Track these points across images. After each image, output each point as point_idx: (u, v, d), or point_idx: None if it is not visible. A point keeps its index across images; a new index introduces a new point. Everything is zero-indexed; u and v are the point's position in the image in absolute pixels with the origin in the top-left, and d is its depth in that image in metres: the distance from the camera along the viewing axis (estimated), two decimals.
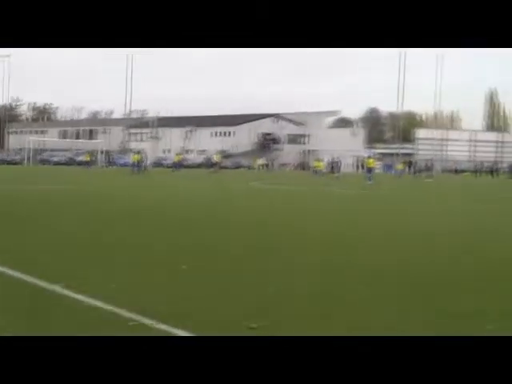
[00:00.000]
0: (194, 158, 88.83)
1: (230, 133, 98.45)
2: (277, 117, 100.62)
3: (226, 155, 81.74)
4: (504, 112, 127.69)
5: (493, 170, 72.60)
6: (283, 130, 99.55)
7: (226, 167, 73.43)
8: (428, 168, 70.87)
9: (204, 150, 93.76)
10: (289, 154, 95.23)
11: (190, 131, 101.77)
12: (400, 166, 69.90)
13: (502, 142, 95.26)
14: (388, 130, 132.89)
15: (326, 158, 67.92)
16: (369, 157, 52.01)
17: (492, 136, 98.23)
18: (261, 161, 78.64)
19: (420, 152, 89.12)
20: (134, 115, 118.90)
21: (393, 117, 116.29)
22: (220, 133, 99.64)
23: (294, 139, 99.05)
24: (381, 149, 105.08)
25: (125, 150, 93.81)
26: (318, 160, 64.54)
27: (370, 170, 47.55)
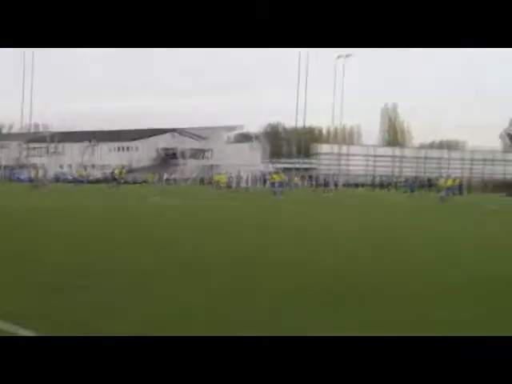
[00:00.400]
0: (94, 173, 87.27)
1: (130, 148, 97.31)
2: (177, 132, 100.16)
3: (126, 170, 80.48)
4: (401, 127, 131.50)
5: (390, 184, 74.18)
6: (184, 144, 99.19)
7: (126, 182, 72.24)
8: (326, 182, 71.94)
9: (104, 165, 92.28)
10: (190, 168, 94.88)
11: (90, 146, 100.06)
12: (295, 180, 70.82)
13: (400, 157, 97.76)
14: (288, 144, 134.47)
15: (228, 173, 68.19)
16: (275, 172, 52.55)
17: (390, 151, 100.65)
18: (162, 176, 78.06)
19: (320, 167, 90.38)
20: (34, 129, 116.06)
21: (293, 132, 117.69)
22: (120, 148, 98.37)
23: (195, 154, 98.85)
24: (281, 163, 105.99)
25: (24, 166, 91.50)
26: (220, 174, 64.66)
27: (273, 184, 48.09)
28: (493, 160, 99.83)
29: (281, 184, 47.83)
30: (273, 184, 48.18)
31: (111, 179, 66.90)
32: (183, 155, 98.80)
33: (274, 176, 48.77)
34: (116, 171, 68.02)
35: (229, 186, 47.40)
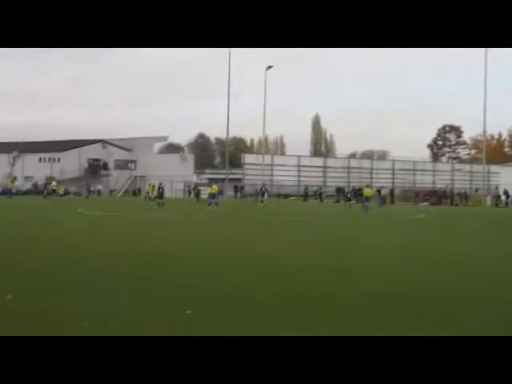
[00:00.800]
0: (20, 184, 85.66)
1: (57, 159, 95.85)
2: (104, 142, 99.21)
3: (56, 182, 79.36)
4: (327, 137, 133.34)
5: (319, 194, 75.23)
6: (112, 155, 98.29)
7: (55, 194, 71.34)
8: (257, 193, 72.36)
9: (31, 177, 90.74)
10: (118, 179, 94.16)
11: (15, 157, 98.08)
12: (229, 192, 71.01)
13: (326, 167, 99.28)
14: (217, 155, 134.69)
15: (157, 184, 67.74)
16: (216, 183, 52.33)
17: (317, 161, 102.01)
18: (89, 187, 77.37)
19: (247, 177, 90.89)
20: None
21: (221, 142, 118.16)
22: (47, 159, 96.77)
23: (123, 165, 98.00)
24: (210, 174, 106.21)
25: None
26: (150, 185, 64.36)
27: (213, 196, 47.54)
28: (422, 170, 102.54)
29: (212, 196, 47.39)
30: (212, 196, 47.61)
31: (46, 191, 66.03)
32: (110, 166, 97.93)
33: (214, 187, 48.49)
34: (54, 183, 67.24)
35: (159, 197, 46.98)
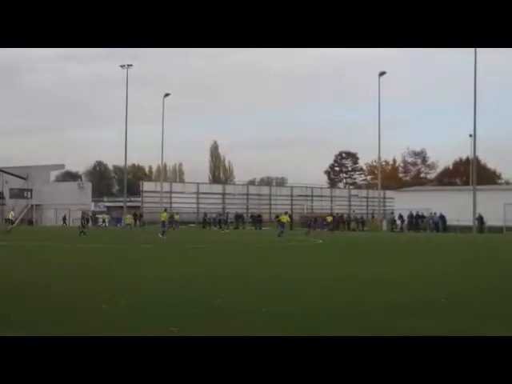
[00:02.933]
0: None
1: None
2: None
3: None
4: (226, 164, 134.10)
5: (216, 221, 75.20)
6: (6, 184, 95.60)
7: None
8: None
9: None
10: (13, 208, 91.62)
11: None
12: (128, 219, 70.09)
13: (225, 194, 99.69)
14: (115, 183, 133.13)
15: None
16: (133, 213, 51.47)
17: (216, 188, 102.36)
18: None
19: (146, 204, 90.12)
20: None
21: (119, 170, 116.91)
22: None
23: (19, 194, 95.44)
24: (109, 202, 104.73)
25: None
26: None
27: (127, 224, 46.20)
28: (320, 196, 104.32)
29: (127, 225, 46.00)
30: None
31: None
32: (5, 195, 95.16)
33: (128, 217, 47.57)
34: None
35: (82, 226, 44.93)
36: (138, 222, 75.99)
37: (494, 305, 11.23)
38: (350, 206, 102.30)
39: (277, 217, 57.29)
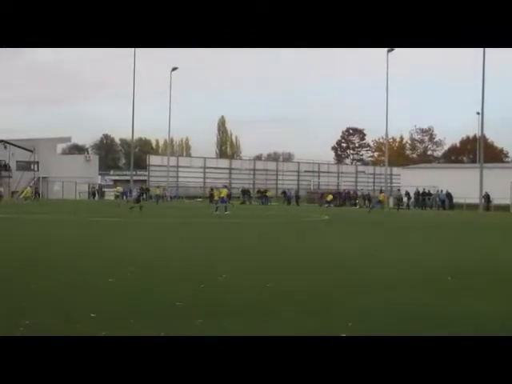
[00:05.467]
0: None
1: None
2: (5, 143, 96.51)
3: None
4: (233, 139, 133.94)
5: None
6: (13, 156, 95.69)
7: None
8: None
9: None
10: (20, 181, 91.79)
11: None
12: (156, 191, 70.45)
13: (232, 169, 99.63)
14: (122, 156, 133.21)
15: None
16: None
17: (223, 163, 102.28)
18: None
19: (152, 179, 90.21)
20: None
21: (126, 144, 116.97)
22: None
23: (26, 166, 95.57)
24: (115, 175, 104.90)
25: None
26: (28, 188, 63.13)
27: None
28: (327, 172, 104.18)
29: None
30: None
31: None
32: (12, 167, 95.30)
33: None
34: None
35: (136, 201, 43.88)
36: (145, 195, 76.13)
37: None
38: (356, 182, 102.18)
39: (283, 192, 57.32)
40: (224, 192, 44.83)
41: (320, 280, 11.45)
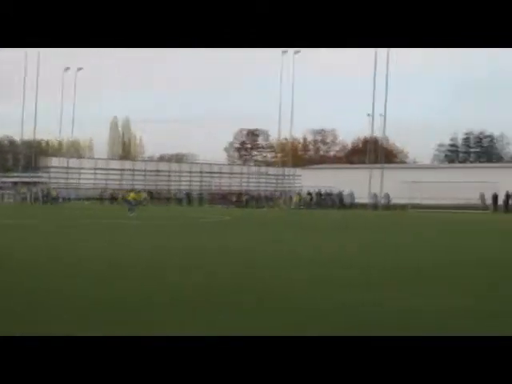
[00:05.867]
0: None
1: None
2: None
3: None
4: (136, 140, 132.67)
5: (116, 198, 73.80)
6: None
7: None
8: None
9: None
10: None
11: None
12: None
13: (130, 170, 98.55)
14: (17, 157, 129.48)
15: None
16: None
17: (120, 164, 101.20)
18: None
19: (51, 180, 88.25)
20: None
21: (22, 144, 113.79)
22: None
23: None
24: (13, 177, 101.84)
25: None
26: None
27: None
28: (230, 173, 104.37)
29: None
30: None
31: None
32: None
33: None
34: None
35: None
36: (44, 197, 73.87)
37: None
38: (258, 183, 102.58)
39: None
40: (132, 195, 45.38)
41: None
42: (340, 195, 69.38)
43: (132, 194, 45.55)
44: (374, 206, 64.09)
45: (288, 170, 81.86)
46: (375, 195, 64.72)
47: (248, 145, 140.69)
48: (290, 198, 75.30)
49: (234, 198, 70.50)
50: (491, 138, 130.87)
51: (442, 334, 6.09)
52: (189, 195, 77.57)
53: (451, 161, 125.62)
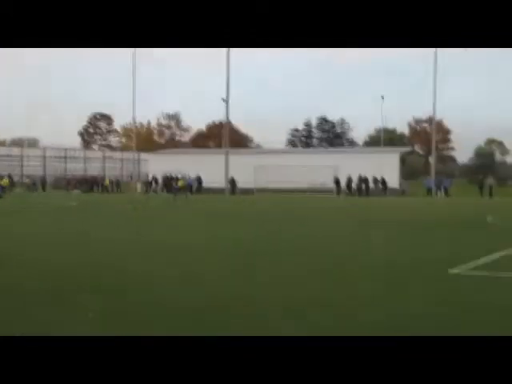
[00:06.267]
0: None
1: None
2: None
3: None
4: None
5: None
6: None
7: None
8: None
9: None
10: None
11: None
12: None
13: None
14: None
15: None
16: None
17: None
18: None
19: None
20: None
21: None
22: None
23: None
24: None
25: None
26: None
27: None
28: (74, 157, 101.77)
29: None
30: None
31: None
32: None
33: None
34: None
35: None
36: None
37: None
38: (104, 168, 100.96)
39: None
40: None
41: None
42: (188, 180, 69.56)
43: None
44: (221, 191, 64.82)
45: (136, 155, 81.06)
46: (232, 179, 65.44)
47: (98, 129, 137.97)
48: (137, 183, 74.81)
49: (84, 184, 69.02)
50: (333, 124, 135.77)
51: (441, 334, 6.17)
52: (39, 180, 75.13)
53: (307, 146, 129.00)
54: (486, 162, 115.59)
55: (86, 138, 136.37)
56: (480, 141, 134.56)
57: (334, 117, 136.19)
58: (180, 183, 56.96)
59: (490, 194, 56.69)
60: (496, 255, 13.92)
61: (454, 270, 11.66)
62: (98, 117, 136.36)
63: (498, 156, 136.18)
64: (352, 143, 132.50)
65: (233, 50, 63.61)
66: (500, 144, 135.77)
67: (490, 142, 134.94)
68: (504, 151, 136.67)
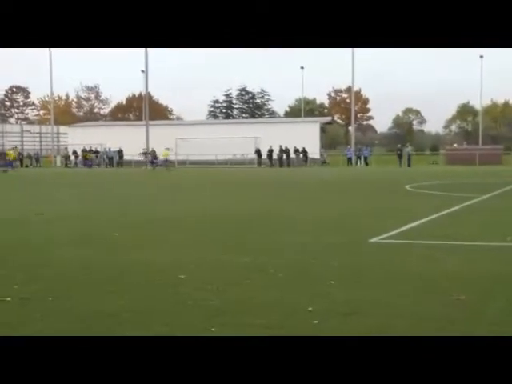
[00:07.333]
0: None
1: None
2: None
3: None
4: None
5: None
6: None
7: None
8: None
9: None
10: None
11: None
12: None
13: None
14: None
15: None
16: None
17: None
18: None
19: None
20: None
21: None
22: None
23: None
24: None
25: None
26: None
27: None
28: None
29: None
30: None
31: None
32: None
33: None
34: None
35: None
36: None
37: None
38: (22, 142, 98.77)
39: None
40: None
41: None
42: (107, 153, 68.86)
43: None
44: (143, 164, 64.43)
45: (53, 129, 79.50)
46: (144, 153, 64.94)
47: (15, 102, 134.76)
48: (57, 157, 73.62)
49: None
50: (253, 94, 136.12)
51: (441, 334, 6.07)
52: None
53: (227, 117, 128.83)
54: (403, 131, 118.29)
55: (2, 111, 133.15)
56: (398, 111, 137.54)
57: (254, 88, 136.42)
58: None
59: (409, 164, 58.04)
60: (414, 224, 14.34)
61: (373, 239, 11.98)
62: (14, 89, 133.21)
63: (415, 125, 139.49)
64: (272, 114, 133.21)
65: None
66: (418, 113, 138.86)
67: (408, 111, 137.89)
68: (422, 120, 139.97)
